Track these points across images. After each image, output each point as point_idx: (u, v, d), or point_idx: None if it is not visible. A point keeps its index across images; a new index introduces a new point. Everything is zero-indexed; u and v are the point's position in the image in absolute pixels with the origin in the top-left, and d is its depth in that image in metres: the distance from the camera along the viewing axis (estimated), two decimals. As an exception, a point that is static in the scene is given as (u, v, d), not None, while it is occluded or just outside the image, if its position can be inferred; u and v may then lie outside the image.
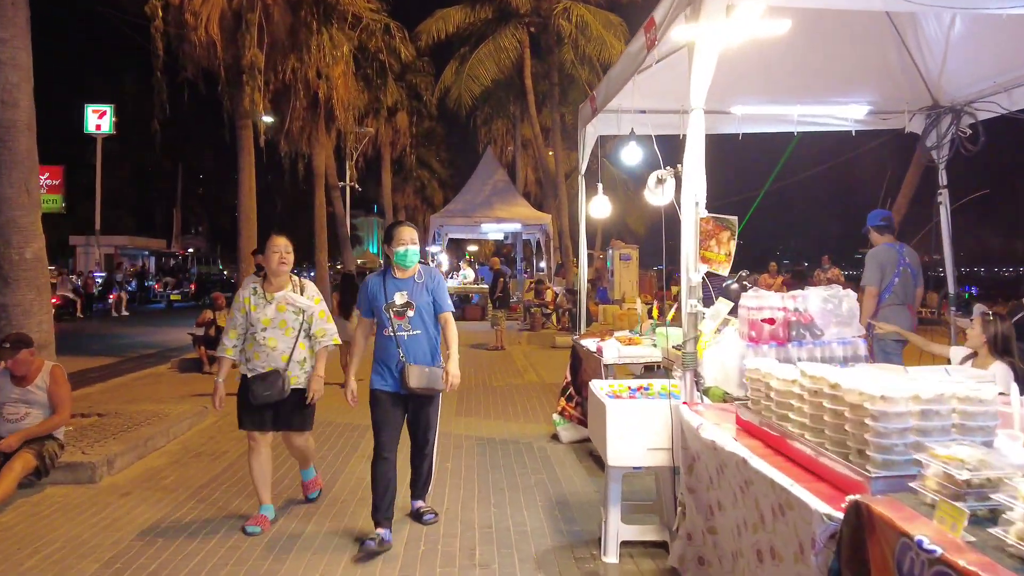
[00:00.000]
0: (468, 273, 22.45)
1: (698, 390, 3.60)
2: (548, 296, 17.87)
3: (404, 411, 4.56)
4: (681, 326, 6.27)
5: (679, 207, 3.86)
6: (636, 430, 3.76)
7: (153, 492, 5.58)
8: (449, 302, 4.61)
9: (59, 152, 47.00)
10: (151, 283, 40.60)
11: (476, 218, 20.54)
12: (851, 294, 3.86)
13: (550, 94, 20.23)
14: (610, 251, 20.13)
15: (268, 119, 21.32)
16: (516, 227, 22.60)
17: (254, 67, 13.43)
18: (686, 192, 3.46)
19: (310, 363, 4.78)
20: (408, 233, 4.42)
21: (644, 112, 6.87)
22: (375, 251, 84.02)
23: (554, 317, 17.60)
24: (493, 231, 23.22)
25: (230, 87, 14.60)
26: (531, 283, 18.94)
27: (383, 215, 45.94)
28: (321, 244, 20.75)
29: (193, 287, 39.00)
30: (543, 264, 25.17)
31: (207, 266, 51.29)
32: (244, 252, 13.84)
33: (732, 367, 3.87)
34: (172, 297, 36.84)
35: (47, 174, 37.13)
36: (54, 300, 29.81)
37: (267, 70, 16.44)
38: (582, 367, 6.77)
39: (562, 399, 6.93)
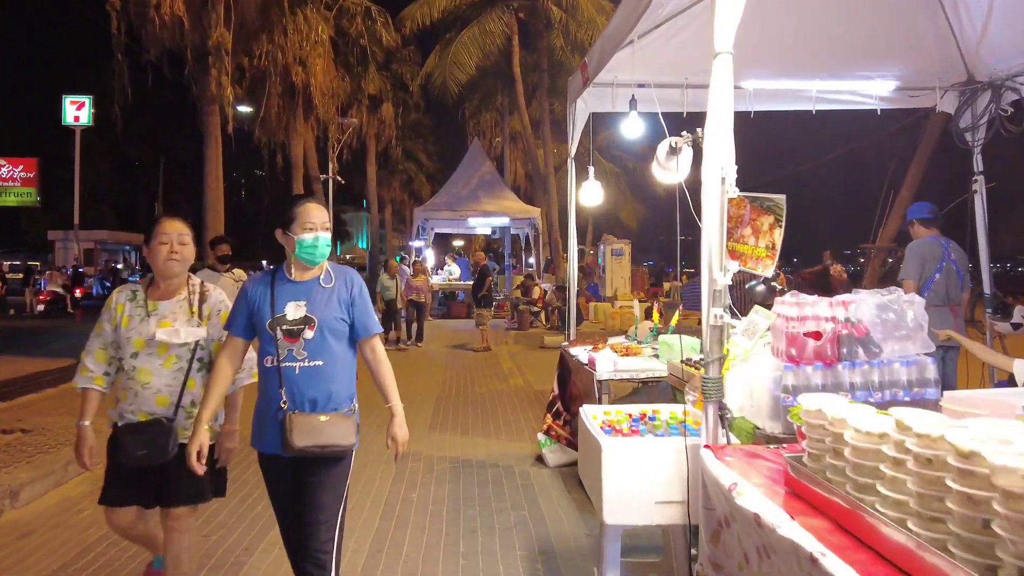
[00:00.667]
0: (454, 269, 21.53)
1: (722, 427, 2.73)
2: (536, 293, 16.99)
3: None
4: (690, 334, 5.45)
5: (687, 191, 3.01)
6: (641, 479, 2.88)
7: (60, 532, 4.66)
8: (375, 320, 3.11)
9: (39, 145, 45.87)
10: (134, 279, 39.48)
11: (462, 212, 19.62)
12: (917, 299, 3.00)
13: (539, 83, 19.33)
14: (601, 246, 19.26)
15: (244, 109, 20.38)
16: (504, 221, 21.70)
17: (221, 48, 12.49)
18: (709, 164, 2.59)
19: None
20: (318, 213, 2.96)
21: (644, 86, 5.99)
22: (364, 246, 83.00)
23: (543, 316, 16.72)
24: (480, 225, 22.30)
25: (198, 71, 13.64)
26: (521, 280, 18.05)
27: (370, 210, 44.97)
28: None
29: None
30: (532, 260, 24.31)
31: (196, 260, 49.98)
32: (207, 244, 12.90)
33: (763, 393, 2.99)
34: None
35: (21, 166, 35.97)
36: (42, 296, 29.00)
37: (239, 53, 15.51)
38: (571, 379, 5.88)
39: (548, 415, 6.04)
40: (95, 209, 48.68)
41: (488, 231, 24.62)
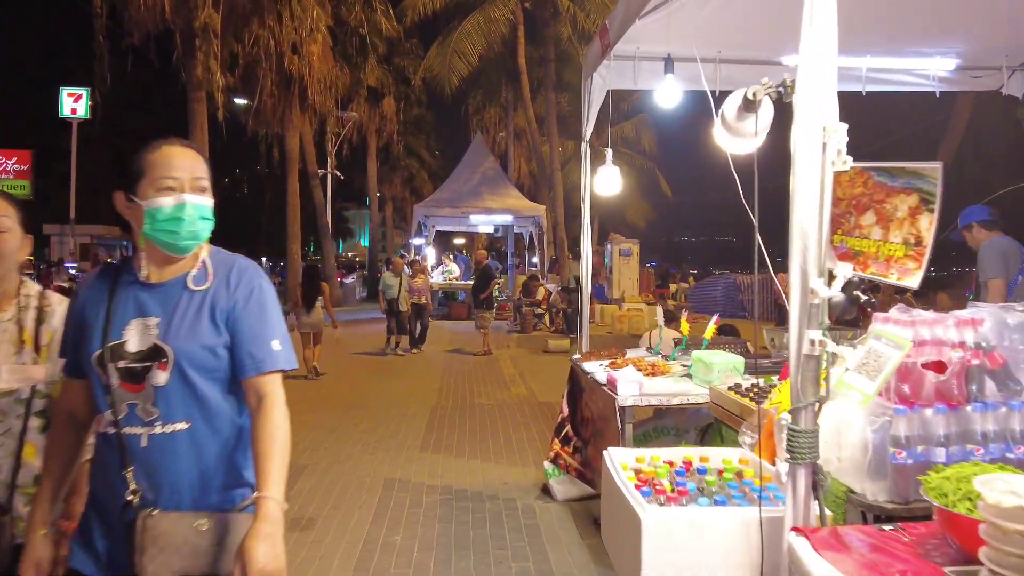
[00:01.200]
0: (453, 268, 20.73)
1: (815, 496, 1.92)
2: (540, 294, 16.18)
3: None
4: (725, 349, 4.63)
5: (736, 176, 2.22)
6: (695, 564, 2.08)
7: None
8: (274, 347, 1.80)
9: (35, 138, 45.18)
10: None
11: (464, 208, 18.81)
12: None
13: (545, 75, 18.50)
14: (608, 246, 18.44)
15: (240, 101, 19.60)
16: (507, 219, 20.90)
17: (208, 30, 11.69)
18: (804, 123, 1.79)
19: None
20: (183, 161, 1.78)
21: (671, 59, 5.19)
22: (367, 244, 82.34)
23: (547, 318, 15.91)
24: (483, 223, 21.49)
25: (185, 55, 12.85)
26: (524, 280, 17.24)
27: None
28: (294, 235, 19.02)
29: None
30: (535, 260, 23.52)
31: None
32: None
33: (860, 443, 2.17)
34: None
35: (14, 158, 35.24)
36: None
37: (230, 39, 14.73)
38: (583, 399, 5.07)
39: (556, 440, 5.21)
40: (92, 203, 48.09)
41: (491, 229, 23.82)
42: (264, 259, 50.56)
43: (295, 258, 18.85)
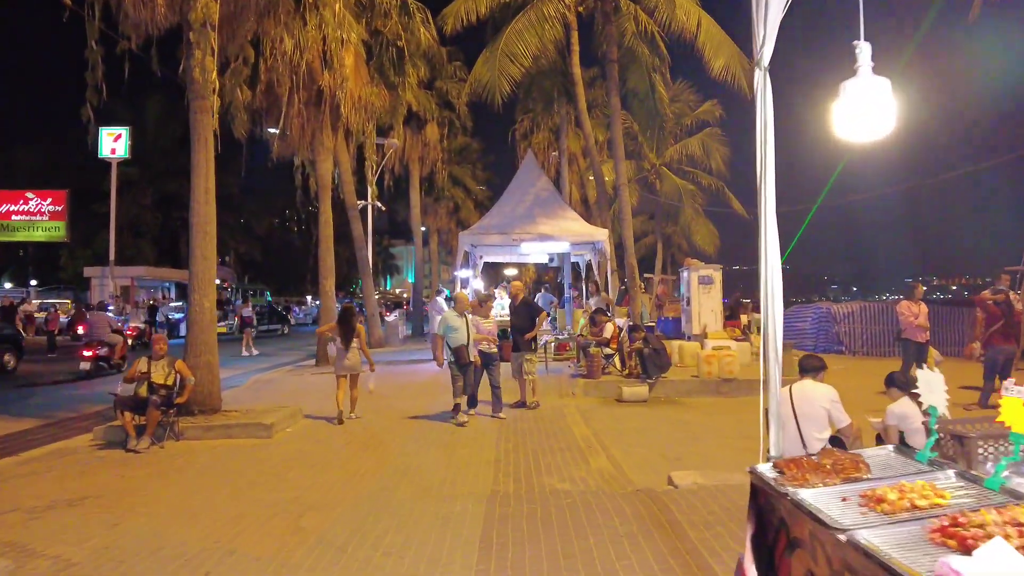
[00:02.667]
0: (506, 303, 18.46)
1: None
2: (609, 331, 13.71)
3: None
4: None
5: None
6: None
7: None
8: None
9: (76, 179, 44.73)
10: (178, 316, 37.47)
11: (516, 235, 16.54)
12: None
13: (608, 76, 16.21)
14: (684, 272, 15.93)
15: (273, 131, 17.79)
16: (563, 247, 18.55)
17: (206, 23, 9.71)
18: None
19: None
20: None
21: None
22: (413, 280, 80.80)
23: (617, 359, 13.40)
24: (535, 252, 19.16)
25: (183, 58, 10.89)
26: (586, 315, 14.80)
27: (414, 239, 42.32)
28: (327, 269, 16.94)
29: (238, 320, 36.53)
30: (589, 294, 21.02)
31: (257, 297, 48.08)
32: (198, 277, 10.06)
33: None
34: (218, 330, 33.90)
35: (49, 199, 34.35)
36: (129, 332, 26.90)
37: (244, 46, 12.84)
38: (782, 544, 2.62)
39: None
40: (134, 244, 47.33)
41: (544, 259, 21.46)
42: (309, 298, 49.01)
43: (328, 295, 16.76)
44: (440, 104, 29.13)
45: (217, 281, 38.58)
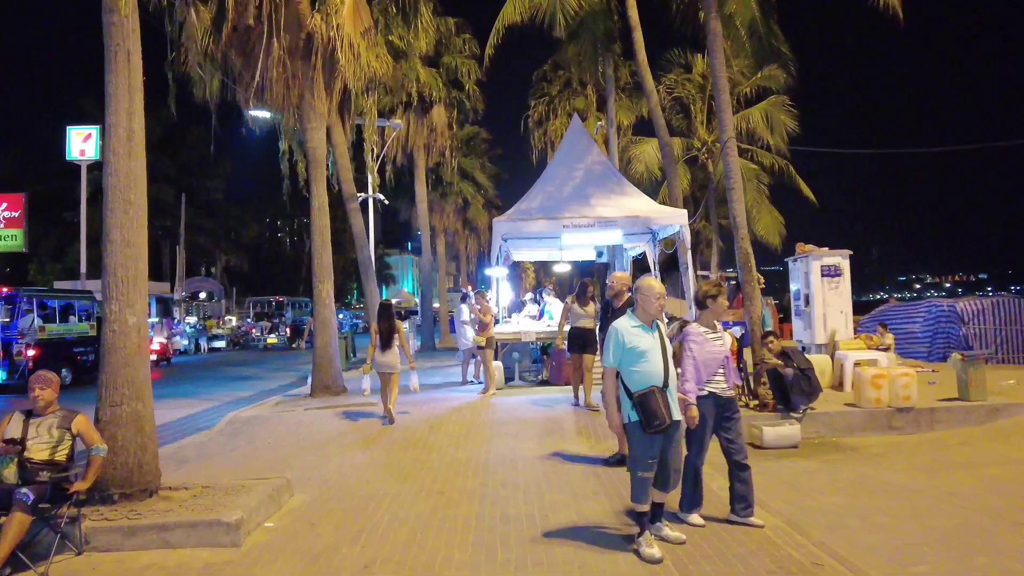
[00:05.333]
0: (555, 308, 14.61)
1: None
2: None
3: None
4: None
5: None
6: None
7: None
8: None
9: (45, 186, 40.83)
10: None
11: (568, 219, 12.69)
12: None
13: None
14: (798, 262, 12.10)
15: (263, 114, 14.04)
16: (615, 237, 14.67)
17: None
18: None
19: None
20: None
21: None
22: (411, 289, 76.58)
23: (744, 385, 9.49)
24: (582, 243, 15.25)
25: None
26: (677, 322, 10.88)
27: (418, 245, 38.26)
28: (323, 270, 13.02)
29: (288, 330, 37.01)
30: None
31: (299, 309, 45.41)
32: (116, 276, 6.19)
33: None
34: (269, 341, 35.74)
35: (3, 204, 30.23)
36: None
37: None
38: None
39: None
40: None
41: (587, 254, 17.54)
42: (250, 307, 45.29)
43: (324, 304, 12.83)
44: (448, 83, 25.33)
45: (202, 295, 34.50)
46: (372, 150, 18.91)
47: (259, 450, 9.03)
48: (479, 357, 12.59)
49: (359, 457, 8.30)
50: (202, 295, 48.61)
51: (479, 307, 12.29)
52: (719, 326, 5.62)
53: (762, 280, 10.85)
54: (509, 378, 13.00)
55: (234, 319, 39.46)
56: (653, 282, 5.11)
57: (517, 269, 29.46)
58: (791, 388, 8.62)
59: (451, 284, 57.87)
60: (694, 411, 5.17)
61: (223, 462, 8.40)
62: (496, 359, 12.93)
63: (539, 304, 17.84)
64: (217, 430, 10.69)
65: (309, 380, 13.26)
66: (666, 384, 4.88)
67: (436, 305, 33.04)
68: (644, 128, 23.40)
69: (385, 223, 68.72)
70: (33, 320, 17.32)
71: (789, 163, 20.40)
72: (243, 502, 5.90)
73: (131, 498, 5.94)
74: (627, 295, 7.70)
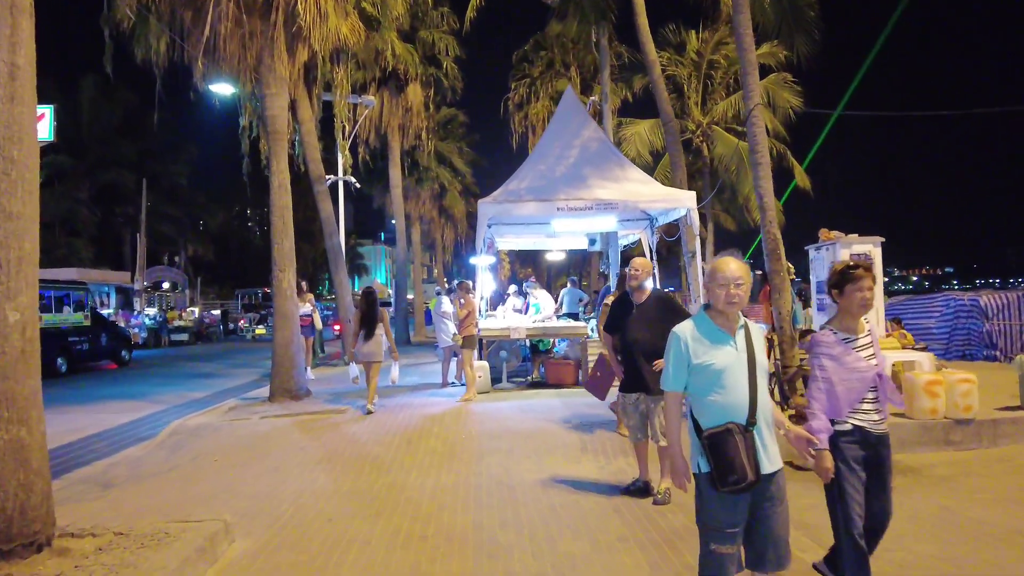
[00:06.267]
0: (545, 302, 13.17)
1: None
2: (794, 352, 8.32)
3: None
4: None
5: None
6: None
7: None
8: None
9: None
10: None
11: (562, 201, 11.27)
12: None
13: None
14: (821, 251, 10.79)
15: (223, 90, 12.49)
16: (610, 222, 13.27)
17: None
18: None
19: None
20: None
21: None
22: (384, 281, 74.47)
23: (775, 390, 8.13)
24: (573, 230, 13.82)
25: None
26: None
27: (392, 236, 36.40)
28: (283, 255, 11.43)
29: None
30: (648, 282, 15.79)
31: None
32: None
33: None
34: (257, 332, 35.13)
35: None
36: None
37: None
38: None
39: None
40: (68, 244, 41.13)
41: (580, 243, 16.08)
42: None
43: (284, 294, 11.26)
44: (425, 59, 23.74)
45: (165, 285, 32.48)
46: (343, 127, 17.30)
47: (202, 469, 7.54)
48: (460, 356, 11.19)
49: (321, 480, 6.85)
50: (165, 285, 46.57)
51: (462, 301, 10.88)
52: (865, 326, 3.78)
53: (792, 269, 9.51)
54: (496, 380, 11.56)
55: (197, 310, 37.42)
56: (730, 261, 3.34)
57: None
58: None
59: (426, 275, 56.19)
60: (826, 459, 3.55)
61: (156, 487, 6.91)
62: (481, 359, 11.51)
63: (523, 297, 16.45)
64: (158, 442, 9.17)
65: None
66: (752, 420, 3.24)
67: (410, 297, 31.46)
68: (632, 110, 22.07)
69: (358, 213, 66.69)
70: None
71: (788, 149, 19.13)
72: (163, 559, 4.43)
73: (9, 556, 4.43)
74: (649, 289, 6.26)
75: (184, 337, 33.47)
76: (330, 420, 9.50)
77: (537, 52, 28.98)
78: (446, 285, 30.21)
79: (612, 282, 14.27)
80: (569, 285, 17.96)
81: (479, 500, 6.07)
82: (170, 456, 8.36)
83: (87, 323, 19.93)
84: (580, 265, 36.22)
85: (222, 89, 16.54)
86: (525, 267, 47.96)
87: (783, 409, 8.00)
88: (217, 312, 40.94)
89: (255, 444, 8.58)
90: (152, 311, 35.46)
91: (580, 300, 16.97)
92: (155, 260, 47.78)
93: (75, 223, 42.59)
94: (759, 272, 8.76)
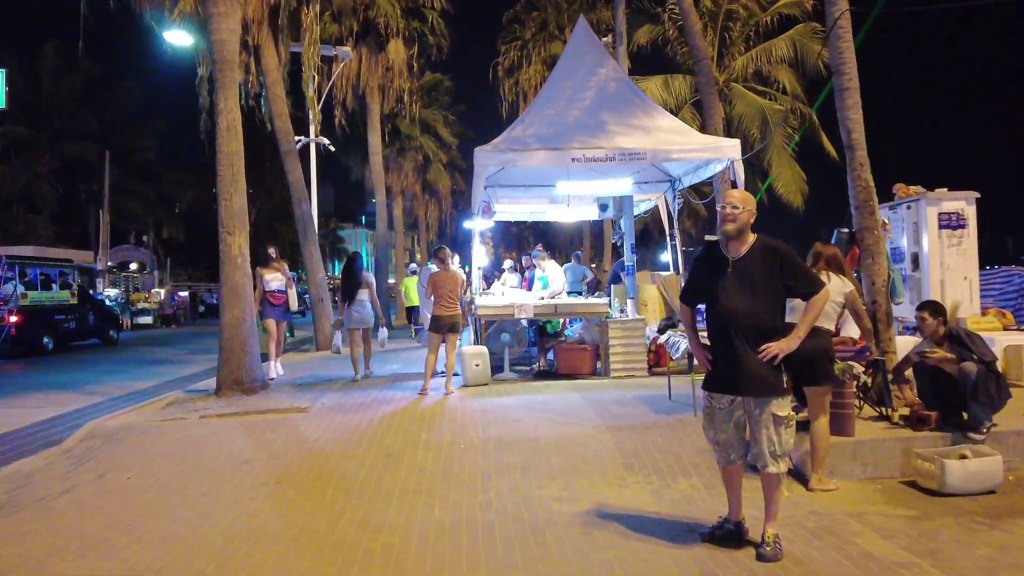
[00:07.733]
0: (555, 276, 11.06)
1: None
2: (930, 328, 5.97)
3: None
4: None
5: None
6: None
7: None
8: None
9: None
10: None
11: (578, 150, 9.15)
12: None
13: None
14: (899, 209, 8.80)
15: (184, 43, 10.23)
16: (624, 183, 11.13)
17: None
18: None
19: None
20: None
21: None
22: (365, 264, 71.72)
23: (880, 386, 6.05)
24: (581, 193, 11.66)
25: None
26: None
27: (372, 219, 34.00)
28: (232, 216, 9.19)
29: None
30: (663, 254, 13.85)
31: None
32: None
33: None
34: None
35: None
36: None
37: None
38: None
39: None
40: (27, 221, 38.47)
41: (590, 212, 13.85)
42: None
43: (233, 262, 9.04)
44: (407, 11, 21.45)
45: (132, 266, 29.93)
46: (313, 77, 15.06)
47: (106, 493, 5.46)
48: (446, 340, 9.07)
49: (265, 512, 4.78)
50: (133, 266, 44.08)
51: (435, 270, 8.84)
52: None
53: (888, 226, 7.48)
54: (497, 368, 9.48)
55: (163, 292, 34.98)
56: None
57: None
58: (974, 394, 5.29)
59: (408, 259, 53.80)
60: None
61: (31, 523, 4.85)
62: (478, 342, 9.43)
63: (519, 273, 14.40)
64: (64, 449, 7.05)
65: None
66: None
67: (391, 281, 29.25)
68: (640, 66, 19.95)
69: (338, 195, 63.94)
70: (16, 287, 17.25)
71: (814, 113, 17.07)
72: None
73: None
74: (752, 238, 4.10)
75: (148, 320, 31.15)
76: (287, 421, 7.39)
77: (529, 13, 26.82)
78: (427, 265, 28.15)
79: (628, 257, 12.19)
80: (573, 260, 15.90)
81: (492, 551, 4.03)
82: (72, 471, 6.25)
83: (74, 301, 19.58)
84: (584, 241, 33.96)
85: (179, 38, 14.32)
86: (510, 251, 45.79)
87: (891, 410, 5.98)
88: (185, 294, 38.32)
89: (185, 455, 6.46)
90: (113, 292, 33.00)
91: (583, 278, 14.92)
92: (122, 239, 45.18)
93: (35, 199, 39.84)
94: (845, 231, 6.68)
